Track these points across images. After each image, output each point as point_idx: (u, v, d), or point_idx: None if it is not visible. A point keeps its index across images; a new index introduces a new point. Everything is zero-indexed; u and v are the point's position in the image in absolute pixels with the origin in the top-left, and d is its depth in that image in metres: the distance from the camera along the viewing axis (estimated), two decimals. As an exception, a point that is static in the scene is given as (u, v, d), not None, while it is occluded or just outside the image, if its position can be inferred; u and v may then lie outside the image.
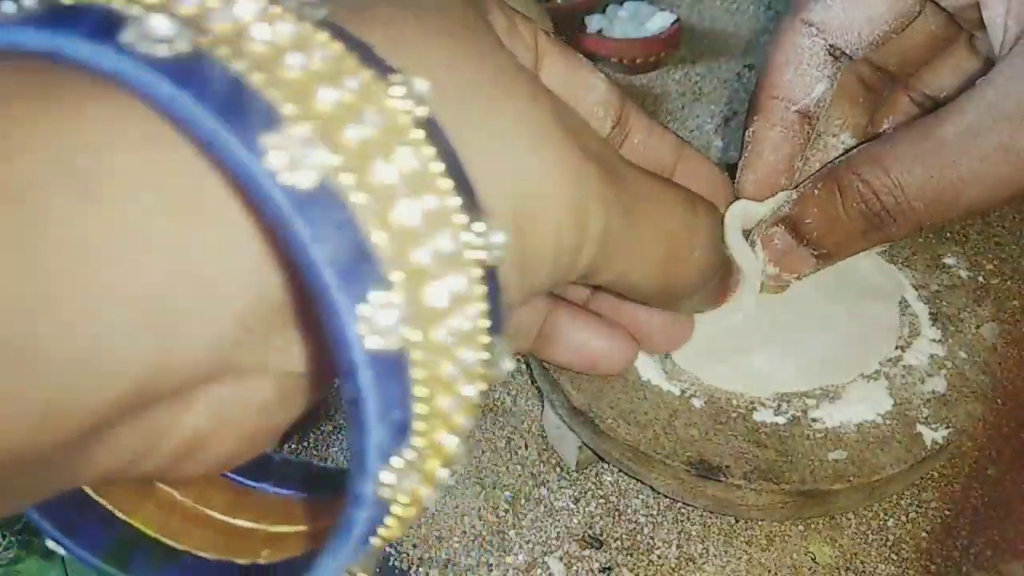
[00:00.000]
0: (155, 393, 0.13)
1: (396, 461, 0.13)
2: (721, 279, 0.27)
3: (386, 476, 0.13)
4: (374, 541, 0.14)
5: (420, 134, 0.13)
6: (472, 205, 0.14)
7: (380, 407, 0.12)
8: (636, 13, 0.60)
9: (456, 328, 0.13)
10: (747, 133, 0.29)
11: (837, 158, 0.30)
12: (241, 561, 0.18)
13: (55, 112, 0.12)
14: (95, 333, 0.11)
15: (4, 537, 0.32)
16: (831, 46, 0.28)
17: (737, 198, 0.29)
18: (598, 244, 0.18)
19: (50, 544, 0.16)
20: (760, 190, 0.29)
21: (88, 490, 0.16)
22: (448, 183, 0.13)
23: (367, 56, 0.13)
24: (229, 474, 0.19)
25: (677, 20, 0.59)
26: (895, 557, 0.30)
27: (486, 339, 0.14)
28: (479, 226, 0.14)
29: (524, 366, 0.37)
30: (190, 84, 0.11)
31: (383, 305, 0.12)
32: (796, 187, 0.29)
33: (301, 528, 0.18)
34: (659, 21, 0.59)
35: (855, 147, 0.29)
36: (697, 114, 0.54)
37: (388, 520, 0.14)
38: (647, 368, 0.30)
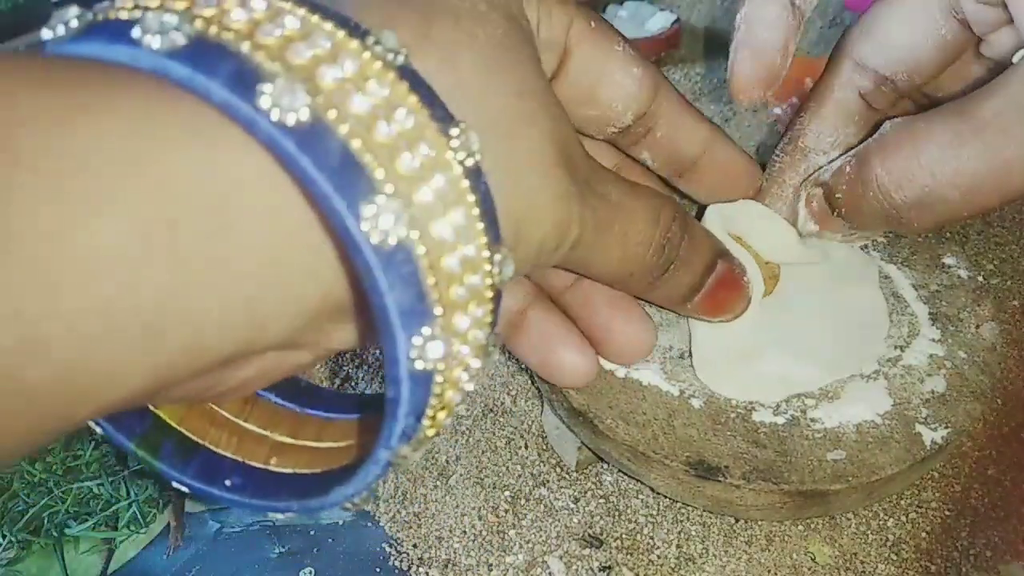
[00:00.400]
0: (233, 361, 0.16)
1: (411, 440, 0.17)
2: (720, 279, 0.27)
3: (403, 450, 0.17)
4: (376, 485, 0.18)
5: (468, 186, 0.16)
6: (496, 239, 0.17)
7: (410, 407, 0.16)
8: (636, 13, 0.60)
9: (471, 344, 0.17)
10: (738, 16, 0.28)
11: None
12: (253, 463, 0.21)
13: (197, 147, 0.14)
14: (213, 319, 0.15)
15: (4, 537, 0.32)
16: (872, 86, 0.28)
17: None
18: (570, 248, 0.22)
19: (91, 424, 0.19)
20: (759, 71, 0.28)
21: None
22: (482, 226, 0.17)
23: (434, 106, 0.16)
24: None
25: (677, 20, 0.59)
26: (895, 557, 0.30)
27: (485, 343, 0.18)
28: (498, 257, 0.17)
29: (524, 366, 0.37)
30: (311, 150, 0.14)
31: (429, 339, 0.16)
32: (836, 158, 0.29)
33: (303, 442, 0.22)
34: (659, 21, 0.59)
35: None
36: (697, 114, 0.54)
37: (388, 470, 0.17)
38: (646, 369, 0.30)
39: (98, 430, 0.20)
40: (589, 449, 0.31)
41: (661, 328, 0.31)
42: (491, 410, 0.36)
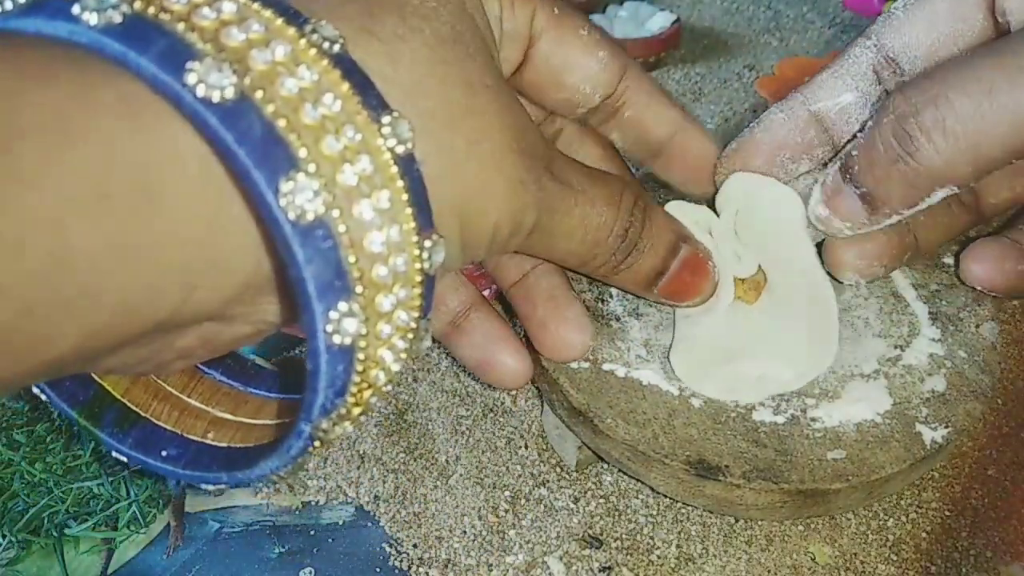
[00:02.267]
0: (167, 328, 0.17)
1: (332, 414, 0.17)
2: (684, 262, 0.28)
3: (323, 423, 0.17)
4: (302, 459, 0.19)
5: (396, 171, 0.17)
6: (426, 225, 0.18)
7: (329, 380, 0.17)
8: (636, 13, 0.60)
9: (395, 324, 0.18)
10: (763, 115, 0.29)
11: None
12: (190, 436, 0.22)
13: (137, 129, 0.15)
14: (144, 284, 0.15)
15: (4, 537, 0.32)
16: (882, 60, 0.27)
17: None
18: (527, 234, 0.23)
19: (35, 391, 0.21)
20: (733, 163, 0.29)
21: None
22: (410, 211, 0.17)
23: (367, 94, 0.17)
24: None
25: (677, 20, 0.59)
26: (895, 557, 0.30)
27: (415, 325, 0.18)
28: (428, 243, 0.18)
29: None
30: (234, 126, 0.15)
31: (346, 315, 0.16)
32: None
33: (241, 419, 0.23)
34: (659, 21, 0.59)
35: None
36: (697, 114, 0.54)
37: (315, 443, 0.18)
38: (646, 368, 0.30)
39: (43, 396, 0.21)
40: (589, 449, 0.31)
41: (661, 327, 0.31)
42: (491, 410, 0.36)
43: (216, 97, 0.15)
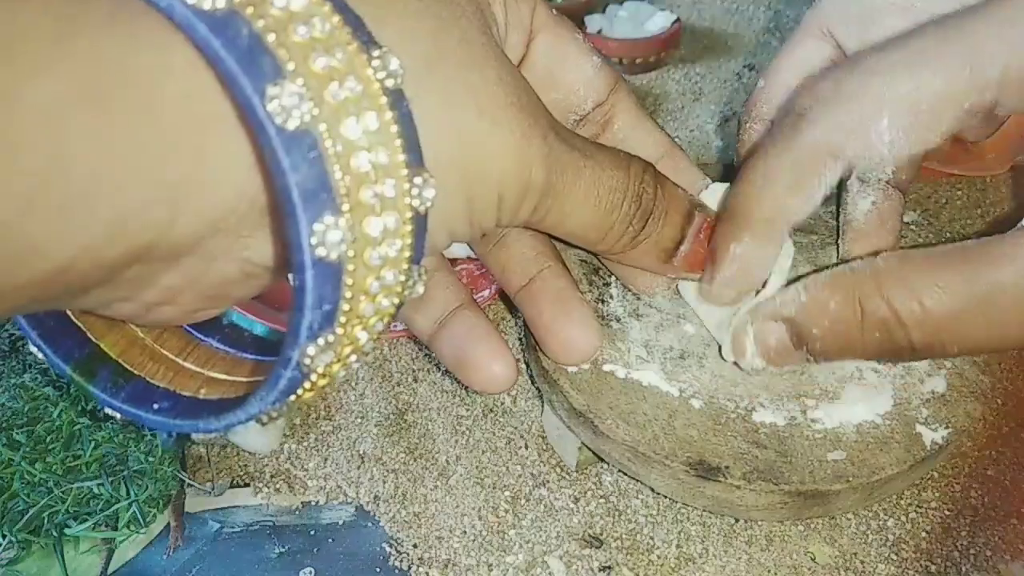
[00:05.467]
0: (151, 253, 0.17)
1: (320, 340, 0.17)
2: (701, 229, 0.27)
3: (310, 349, 0.17)
4: (291, 399, 0.18)
5: (386, 101, 0.17)
6: (416, 161, 0.17)
7: (316, 299, 0.16)
8: (636, 13, 0.60)
9: (384, 254, 0.17)
10: (723, 239, 0.27)
11: (843, 261, 0.28)
12: (183, 392, 0.22)
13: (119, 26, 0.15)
14: (123, 204, 0.15)
15: (4, 537, 0.32)
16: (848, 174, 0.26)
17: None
18: (539, 195, 0.22)
19: (32, 348, 0.21)
20: (716, 291, 0.28)
21: (70, 314, 0.21)
22: (399, 142, 0.17)
23: (358, 29, 0.17)
24: (186, 326, 0.23)
25: (677, 20, 0.59)
26: (895, 557, 0.30)
27: (406, 266, 0.18)
28: (418, 180, 0.17)
29: (524, 367, 0.37)
30: (223, 33, 0.15)
31: (331, 227, 0.16)
32: (793, 280, 0.27)
33: (236, 378, 0.23)
34: (659, 21, 0.59)
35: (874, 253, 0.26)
36: (697, 114, 0.54)
37: (306, 384, 0.18)
38: (647, 369, 0.30)
39: (39, 354, 0.21)
40: (589, 449, 0.31)
41: (661, 328, 0.31)
42: (491, 410, 0.36)
43: (207, 5, 0.15)
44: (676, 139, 0.51)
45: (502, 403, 0.36)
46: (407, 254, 0.18)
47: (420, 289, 0.19)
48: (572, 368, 0.30)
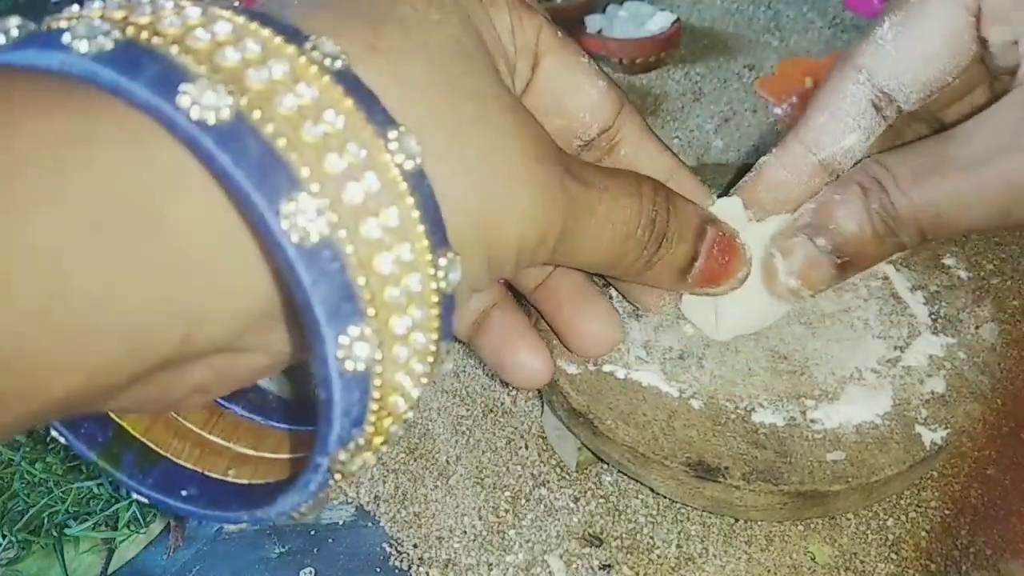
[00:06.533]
0: (175, 362, 0.16)
1: (350, 445, 0.17)
2: (714, 243, 0.27)
3: (341, 455, 0.17)
4: (323, 494, 0.18)
5: (405, 187, 0.16)
6: (440, 242, 0.17)
7: (343, 409, 0.16)
8: (636, 13, 0.60)
9: (412, 347, 0.17)
10: (760, 160, 0.29)
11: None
12: (211, 474, 0.21)
13: (134, 159, 0.15)
14: (147, 318, 0.15)
15: (4, 537, 0.32)
16: (879, 94, 0.27)
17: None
18: (556, 241, 0.22)
19: (53, 433, 0.20)
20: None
21: None
22: (422, 229, 0.17)
23: (372, 109, 0.16)
24: None
25: (677, 20, 0.59)
26: (895, 557, 0.30)
27: (434, 348, 0.18)
28: (443, 261, 0.17)
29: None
30: (230, 147, 0.14)
31: (357, 339, 0.15)
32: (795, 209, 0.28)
33: (264, 454, 0.22)
34: (659, 21, 0.59)
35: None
36: (697, 114, 0.54)
37: (336, 476, 0.17)
38: (646, 370, 0.30)
39: (61, 439, 0.20)
40: (589, 450, 0.31)
41: (660, 329, 0.31)
42: (491, 410, 0.36)
43: (211, 119, 0.14)
44: (676, 139, 0.52)
45: (502, 403, 0.36)
46: (435, 337, 0.17)
47: (448, 366, 0.19)
48: (572, 369, 0.30)
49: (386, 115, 0.16)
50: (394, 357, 0.16)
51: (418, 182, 0.17)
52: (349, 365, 0.15)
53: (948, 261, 0.33)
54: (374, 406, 0.16)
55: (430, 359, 0.17)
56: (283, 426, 0.23)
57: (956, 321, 0.31)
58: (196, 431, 0.22)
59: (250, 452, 0.22)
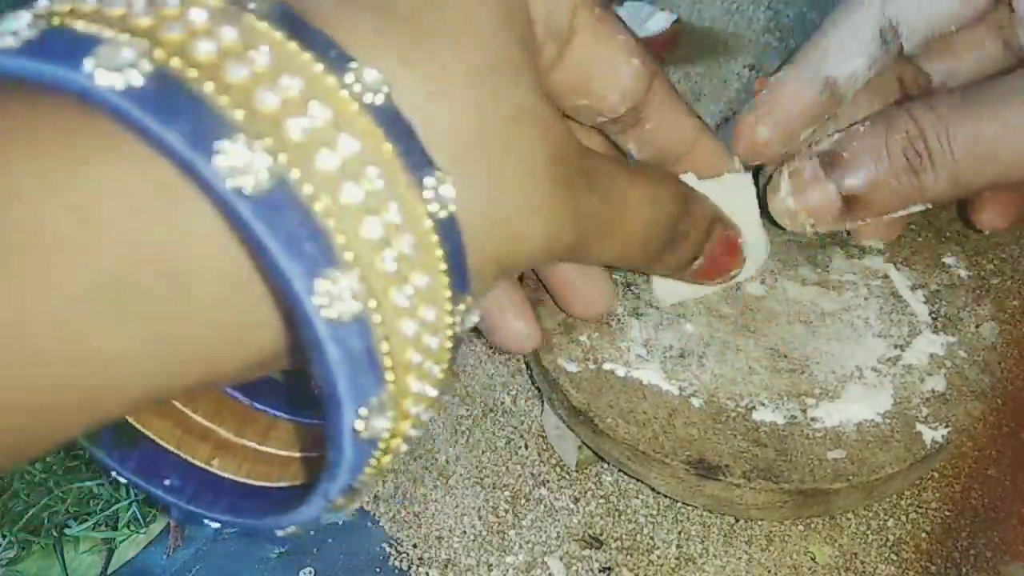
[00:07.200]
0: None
1: (355, 485, 0.16)
2: (717, 244, 0.27)
3: (339, 501, 0.16)
4: (360, 479, 0.17)
5: (436, 240, 0.16)
6: (461, 288, 0.16)
7: (351, 465, 0.15)
8: (636, 13, 0.60)
9: (420, 396, 0.16)
10: (770, 78, 0.28)
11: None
12: (195, 462, 0.20)
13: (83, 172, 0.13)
14: (167, 373, 0.15)
15: (4, 537, 0.32)
16: (886, 26, 0.27)
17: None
18: (565, 251, 0.21)
19: None
20: (748, 130, 0.28)
21: None
22: (447, 288, 0.16)
23: (410, 152, 0.16)
24: None
25: (677, 20, 0.59)
26: (895, 557, 0.30)
27: (435, 397, 0.17)
28: (461, 307, 0.17)
29: (524, 366, 0.37)
30: (267, 217, 0.13)
31: (375, 411, 0.15)
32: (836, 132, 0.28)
33: (248, 443, 0.21)
34: (659, 21, 0.59)
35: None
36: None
37: (371, 463, 0.16)
38: (647, 368, 0.30)
39: None
40: (589, 448, 0.31)
41: (661, 327, 0.31)
42: (491, 410, 0.36)
43: (248, 187, 0.13)
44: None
45: (502, 403, 0.36)
46: (440, 383, 0.17)
47: (446, 398, 0.19)
48: (572, 367, 0.30)
49: (424, 158, 0.16)
50: (405, 412, 0.16)
51: (448, 231, 0.16)
52: (365, 435, 0.15)
53: (948, 260, 0.33)
54: (378, 454, 0.16)
55: (433, 403, 0.17)
56: (268, 409, 0.23)
57: (956, 320, 0.31)
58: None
59: (233, 438, 0.22)
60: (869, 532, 0.31)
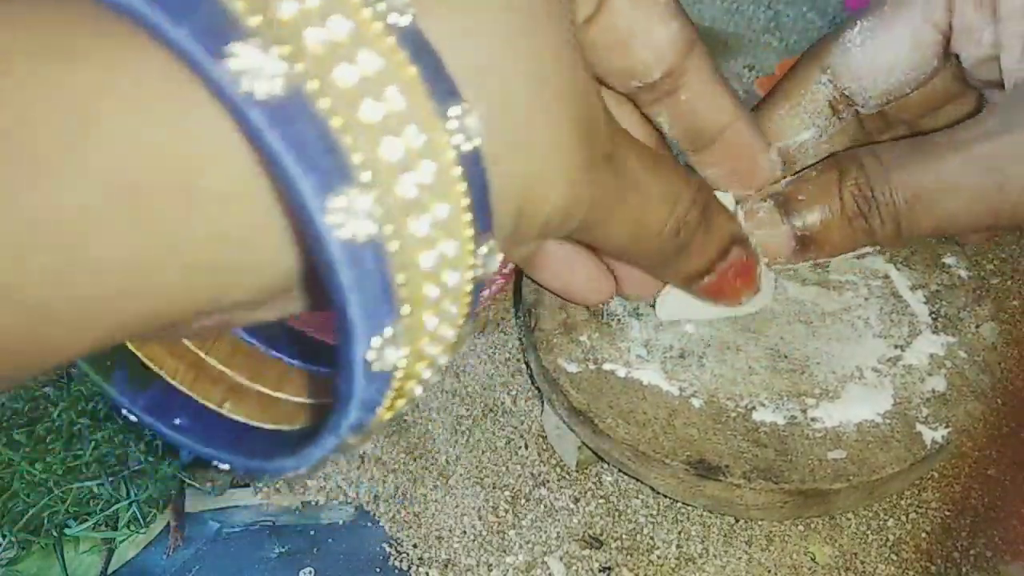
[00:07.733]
0: (190, 319, 0.16)
1: (359, 431, 0.16)
2: (731, 266, 0.27)
3: (351, 439, 0.16)
4: (372, 420, 0.16)
5: (460, 172, 0.15)
6: (485, 227, 0.16)
7: (362, 400, 0.15)
8: (636, 13, 0.60)
9: (436, 340, 0.16)
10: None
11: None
12: (206, 403, 0.20)
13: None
14: (174, 287, 0.14)
15: (4, 537, 0.32)
16: (837, 96, 0.28)
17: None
18: (580, 222, 0.21)
19: None
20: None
21: None
22: (469, 224, 0.15)
23: (437, 79, 0.15)
24: None
25: (677, 20, 0.59)
26: (895, 557, 0.30)
27: (455, 340, 0.17)
28: (483, 250, 0.16)
29: (524, 366, 0.37)
30: (281, 126, 0.13)
31: (390, 341, 0.14)
32: (794, 174, 0.29)
33: (261, 388, 0.21)
34: (659, 21, 0.59)
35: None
36: (697, 114, 0.54)
37: (384, 403, 0.16)
38: (647, 368, 0.30)
39: None
40: (589, 449, 0.31)
41: (661, 328, 0.31)
42: (491, 410, 0.36)
43: (261, 93, 0.12)
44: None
45: (502, 403, 0.36)
46: (460, 326, 0.17)
47: (463, 348, 0.18)
48: (572, 367, 0.30)
49: (450, 86, 0.15)
50: (420, 352, 0.16)
51: (473, 166, 0.15)
52: (377, 367, 0.15)
53: (948, 260, 0.33)
54: (391, 394, 0.16)
55: (452, 349, 0.17)
56: (282, 356, 0.22)
57: (956, 320, 0.31)
58: (192, 350, 0.21)
59: (246, 383, 0.21)
60: (869, 532, 0.31)
